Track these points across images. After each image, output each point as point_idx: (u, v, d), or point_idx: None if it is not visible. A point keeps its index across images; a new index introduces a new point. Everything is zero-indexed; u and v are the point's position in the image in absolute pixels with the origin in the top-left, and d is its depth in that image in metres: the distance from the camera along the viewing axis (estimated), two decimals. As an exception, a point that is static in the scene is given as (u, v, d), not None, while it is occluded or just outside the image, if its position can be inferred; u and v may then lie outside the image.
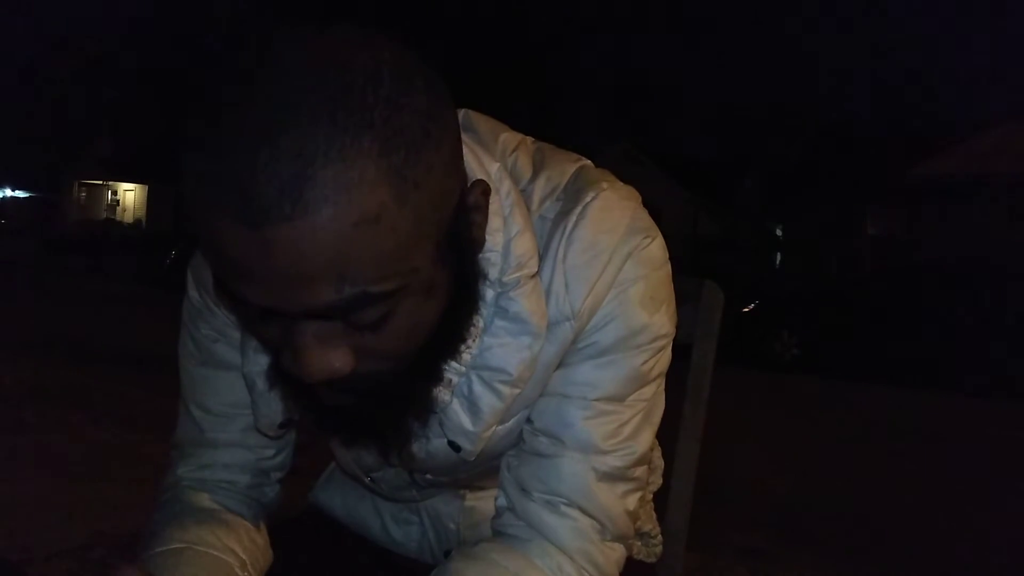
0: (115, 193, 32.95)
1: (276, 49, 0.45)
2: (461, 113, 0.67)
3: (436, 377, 0.59)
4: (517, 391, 0.61)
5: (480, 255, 0.57)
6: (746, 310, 8.42)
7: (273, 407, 0.64)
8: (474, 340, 0.59)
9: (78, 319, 7.45)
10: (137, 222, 30.13)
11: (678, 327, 0.67)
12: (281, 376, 0.58)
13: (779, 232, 21.81)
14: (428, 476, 0.72)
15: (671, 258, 0.66)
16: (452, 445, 0.63)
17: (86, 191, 33.19)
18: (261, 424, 0.66)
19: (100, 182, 32.49)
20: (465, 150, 0.57)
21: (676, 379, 0.94)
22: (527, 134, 0.71)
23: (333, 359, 0.49)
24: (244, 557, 0.65)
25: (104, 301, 9.57)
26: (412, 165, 0.45)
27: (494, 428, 0.62)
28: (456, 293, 0.55)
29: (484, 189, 0.55)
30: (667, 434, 0.94)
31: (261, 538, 0.71)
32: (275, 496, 0.76)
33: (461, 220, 0.52)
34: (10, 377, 4.36)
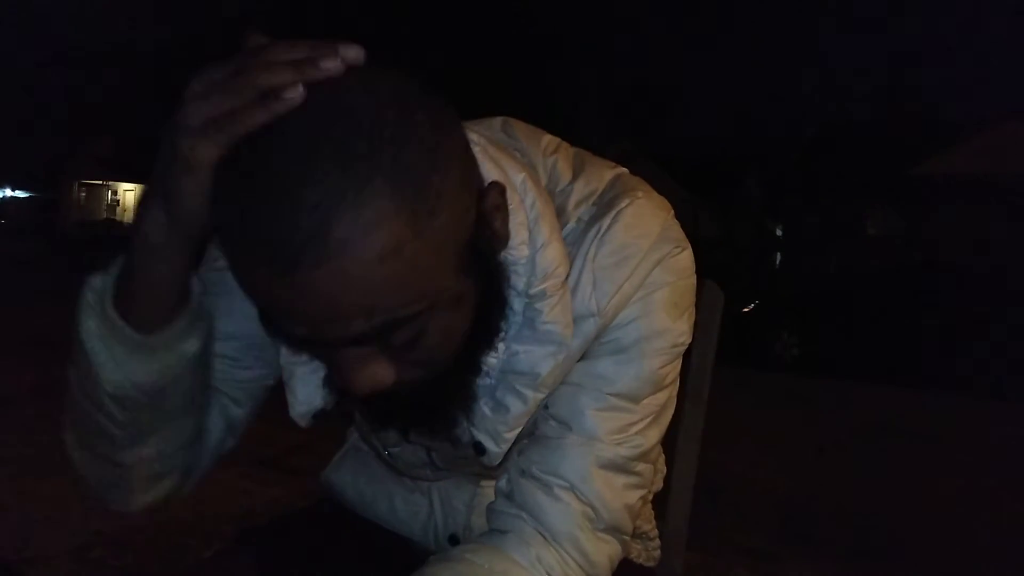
0: (115, 193, 32.95)
1: None
2: (500, 121, 0.70)
3: (475, 369, 0.61)
4: (542, 396, 0.62)
5: (507, 264, 0.59)
6: (746, 310, 8.42)
7: (313, 396, 0.64)
8: (503, 346, 0.61)
9: (78, 319, 7.43)
10: (137, 222, 30.07)
11: None
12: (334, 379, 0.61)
13: (779, 232, 21.79)
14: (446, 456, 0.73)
15: None
16: (477, 448, 0.64)
17: (86, 191, 33.18)
18: (296, 413, 0.65)
19: (100, 182, 32.49)
20: (489, 163, 0.59)
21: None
22: None
23: (376, 374, 0.53)
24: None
25: (104, 301, 9.55)
26: (424, 197, 0.47)
27: (518, 430, 0.63)
28: (485, 292, 0.57)
29: (500, 189, 0.57)
30: (667, 434, 0.94)
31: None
32: (218, 428, 0.72)
33: (481, 228, 0.55)
34: (10, 377, 4.36)
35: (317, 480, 0.91)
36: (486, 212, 0.55)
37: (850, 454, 4.38)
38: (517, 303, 0.61)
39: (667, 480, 0.93)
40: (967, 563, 2.82)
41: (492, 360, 0.61)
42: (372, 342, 0.51)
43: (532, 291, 0.60)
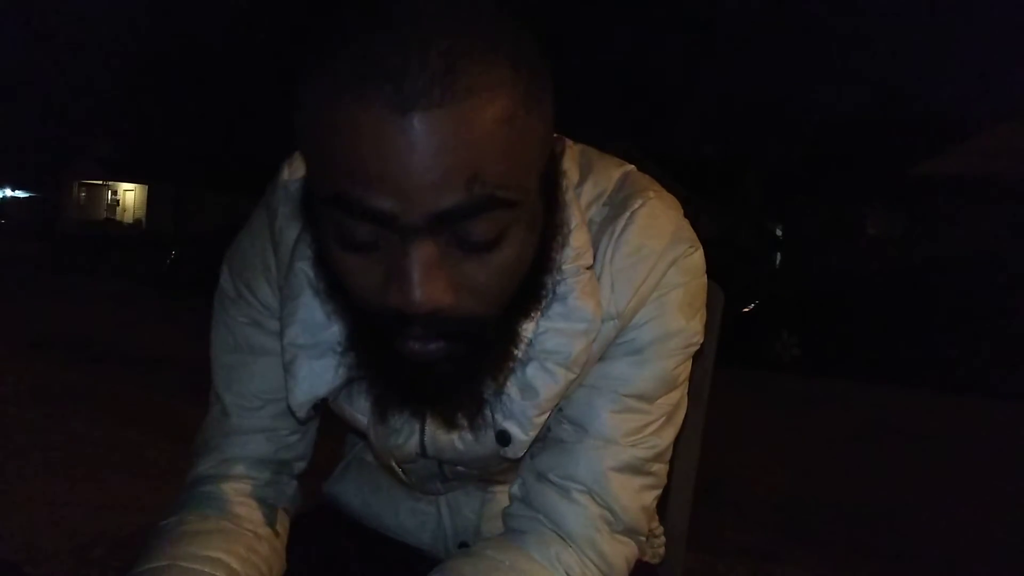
0: (115, 193, 32.87)
1: None
2: None
3: (515, 338, 0.59)
4: (573, 376, 0.62)
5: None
6: (746, 310, 8.41)
7: (317, 382, 0.62)
8: (533, 324, 0.60)
9: (78, 319, 7.44)
10: (137, 222, 30.07)
11: None
12: (362, 337, 0.58)
13: (779, 232, 21.79)
14: (460, 468, 0.72)
15: None
16: (501, 438, 0.62)
17: (86, 191, 33.12)
18: (296, 400, 0.63)
19: (100, 182, 32.43)
20: None
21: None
22: None
23: (439, 287, 0.50)
24: (236, 567, 0.63)
25: (104, 301, 9.56)
26: (534, 83, 0.50)
27: (548, 414, 0.62)
28: (540, 247, 0.57)
29: (562, 148, 0.60)
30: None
31: (266, 545, 0.68)
32: (294, 493, 0.76)
33: (551, 168, 0.57)
34: (10, 377, 4.36)
35: (318, 491, 0.89)
36: (555, 155, 0.58)
37: (850, 454, 4.38)
38: (549, 280, 0.60)
39: (667, 480, 0.93)
40: (967, 562, 2.82)
41: (525, 334, 0.60)
42: (454, 230, 0.49)
43: (565, 266, 0.60)
